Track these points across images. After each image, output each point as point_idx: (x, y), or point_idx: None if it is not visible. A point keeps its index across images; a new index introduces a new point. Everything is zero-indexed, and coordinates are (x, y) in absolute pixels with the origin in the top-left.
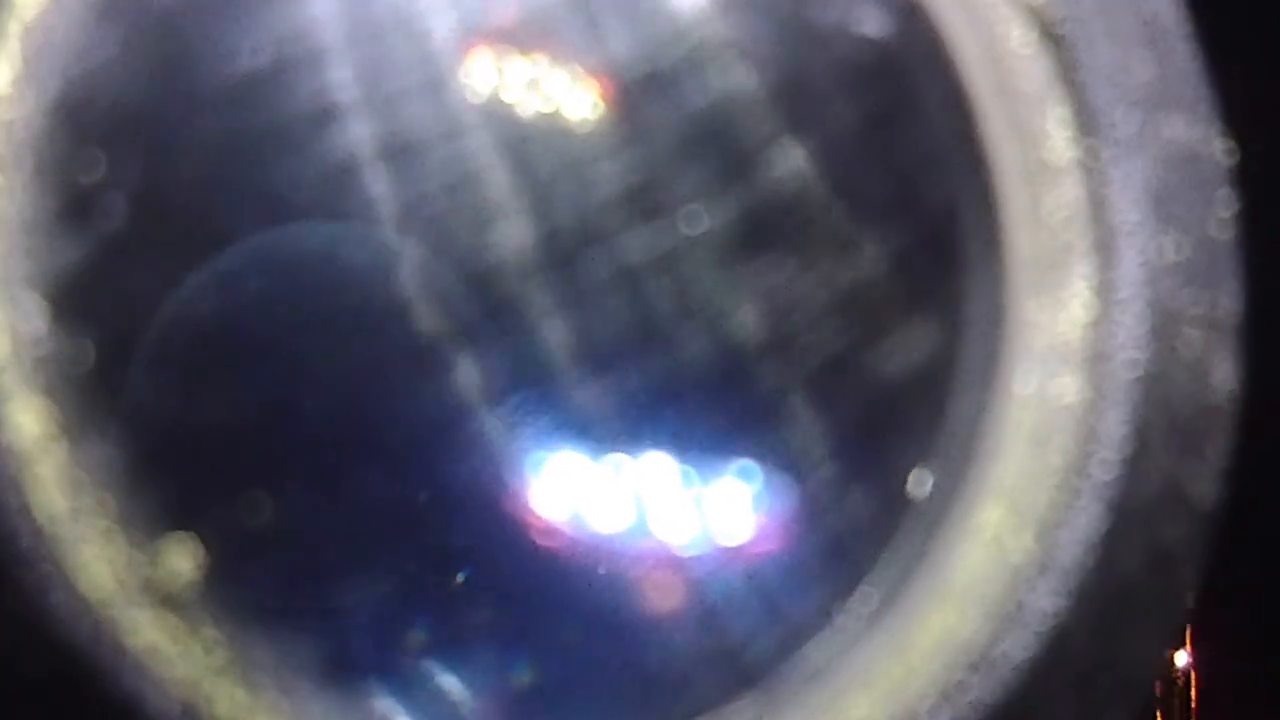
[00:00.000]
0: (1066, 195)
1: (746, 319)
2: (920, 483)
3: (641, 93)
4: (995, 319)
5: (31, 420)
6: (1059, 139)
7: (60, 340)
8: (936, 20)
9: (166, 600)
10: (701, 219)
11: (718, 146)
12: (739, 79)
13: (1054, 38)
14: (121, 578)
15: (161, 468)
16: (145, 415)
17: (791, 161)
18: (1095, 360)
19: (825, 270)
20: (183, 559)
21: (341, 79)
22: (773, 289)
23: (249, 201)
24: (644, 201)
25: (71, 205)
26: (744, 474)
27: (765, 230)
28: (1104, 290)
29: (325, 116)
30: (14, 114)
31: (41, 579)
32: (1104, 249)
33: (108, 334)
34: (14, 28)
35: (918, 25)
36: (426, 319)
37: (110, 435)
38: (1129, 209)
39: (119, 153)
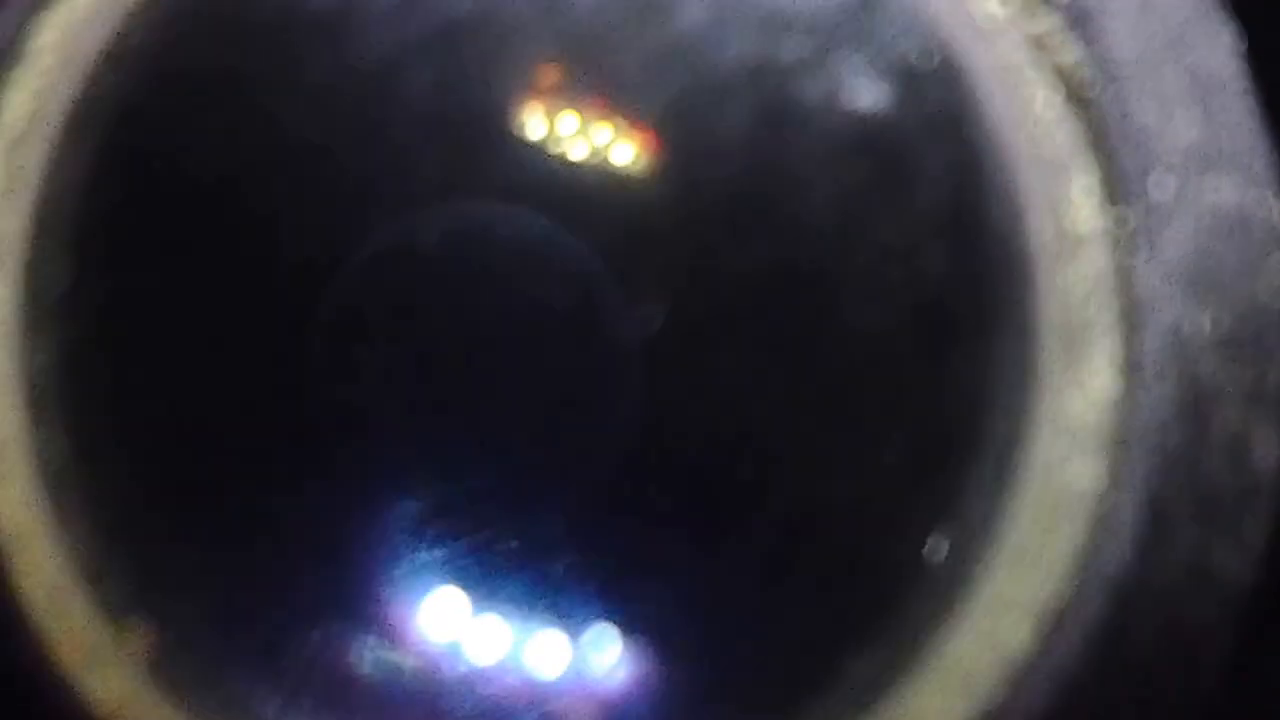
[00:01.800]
0: (1091, 267)
1: (768, 384)
2: (935, 550)
3: (683, 153)
4: (1017, 393)
5: (15, 509)
6: (1085, 207)
7: (41, 434)
8: (962, 85)
9: (139, 671)
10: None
11: (740, 208)
12: (765, 140)
13: (1083, 101)
14: (97, 650)
15: (137, 550)
16: (124, 499)
17: (815, 225)
18: (1116, 444)
19: (850, 331)
20: (154, 633)
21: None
22: (796, 347)
23: (218, 309)
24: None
25: (51, 308)
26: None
27: (786, 292)
28: (1129, 368)
29: (315, 205)
30: (0, 223)
31: (21, 652)
32: (1130, 323)
33: (86, 428)
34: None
35: (942, 89)
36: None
37: (90, 523)
38: (1160, 281)
39: (96, 259)
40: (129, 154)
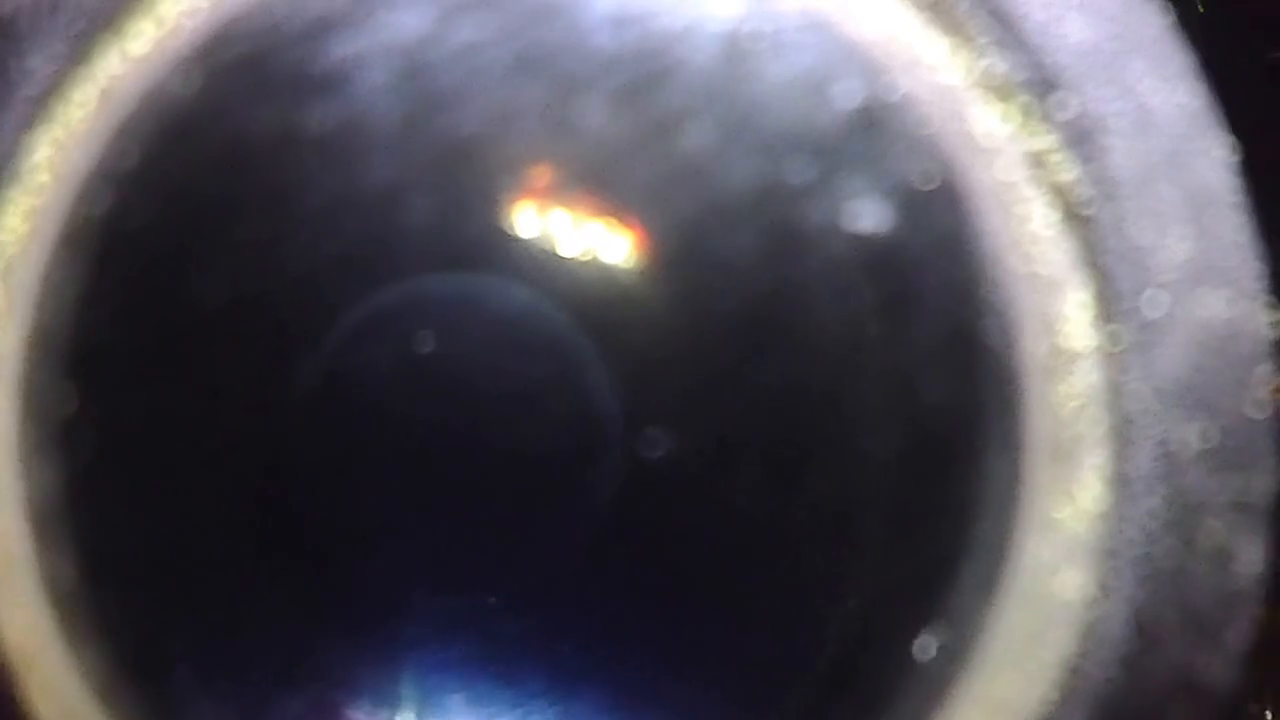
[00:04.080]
0: (1083, 383)
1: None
2: (925, 650)
3: (684, 270)
4: (1007, 503)
5: (26, 630)
6: (1078, 324)
7: (50, 556)
8: (960, 202)
9: None
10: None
11: (738, 323)
12: (764, 258)
13: (1080, 218)
14: None
15: (147, 669)
16: (133, 617)
17: (811, 339)
18: (1103, 555)
19: (844, 442)
20: None
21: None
22: (788, 453)
23: (221, 425)
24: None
25: (56, 431)
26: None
27: (780, 401)
28: (1117, 482)
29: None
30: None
31: None
32: (1120, 438)
33: (94, 548)
34: None
35: (941, 207)
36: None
37: (100, 642)
38: (1150, 396)
39: (97, 378)
40: (126, 272)
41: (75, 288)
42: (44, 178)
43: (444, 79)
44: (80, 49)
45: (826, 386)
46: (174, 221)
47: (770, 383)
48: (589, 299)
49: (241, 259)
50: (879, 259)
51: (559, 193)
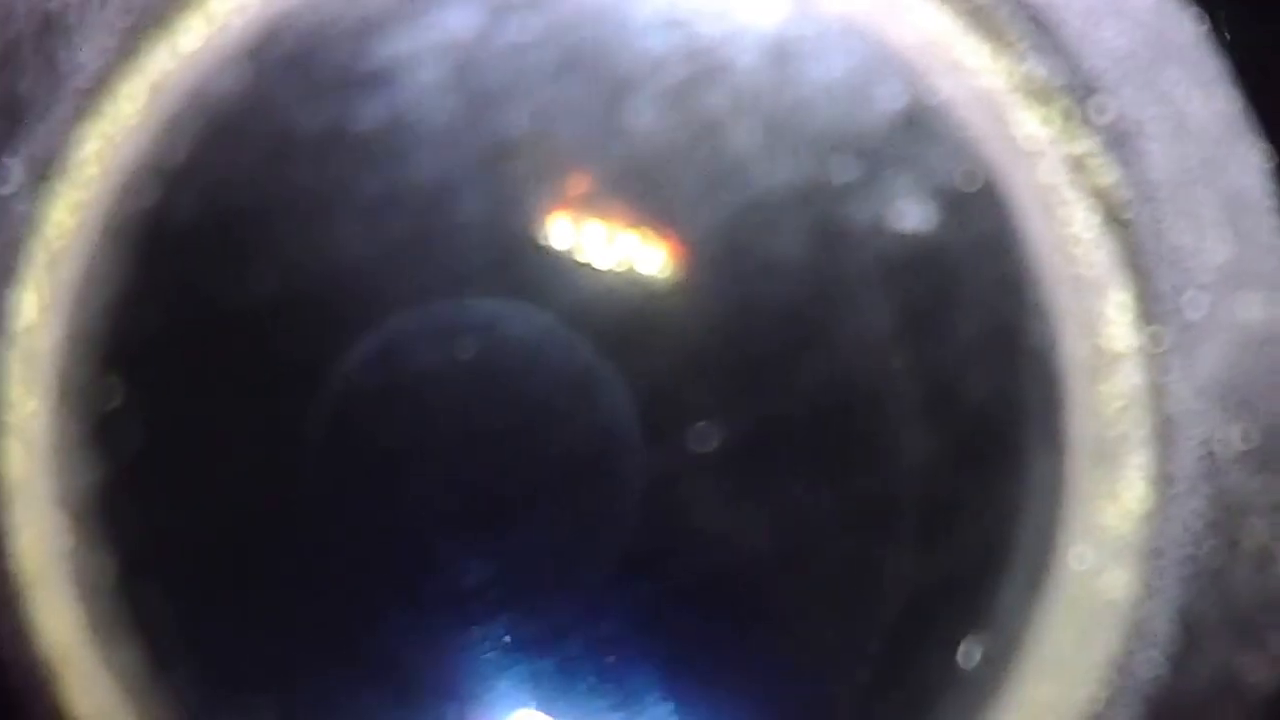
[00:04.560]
0: (1125, 384)
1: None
2: (969, 655)
3: (727, 272)
4: (1051, 505)
5: (62, 628)
6: (1120, 325)
7: (87, 553)
8: (1002, 205)
9: None
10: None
11: (780, 326)
12: (807, 260)
13: (1120, 221)
14: None
15: (185, 669)
16: (172, 617)
17: (852, 342)
18: (1147, 555)
19: (886, 444)
20: None
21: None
22: (831, 458)
23: (263, 424)
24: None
25: (96, 428)
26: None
27: (823, 405)
28: (1160, 482)
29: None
30: (41, 341)
31: None
32: (1163, 439)
33: (133, 546)
34: (41, 257)
35: (983, 210)
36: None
37: (138, 641)
38: (1192, 397)
39: (139, 375)
40: (171, 269)
41: (120, 283)
42: (92, 172)
43: (490, 78)
44: (129, 43)
45: (869, 389)
46: (221, 218)
47: (813, 384)
48: (631, 300)
49: (286, 257)
50: (922, 261)
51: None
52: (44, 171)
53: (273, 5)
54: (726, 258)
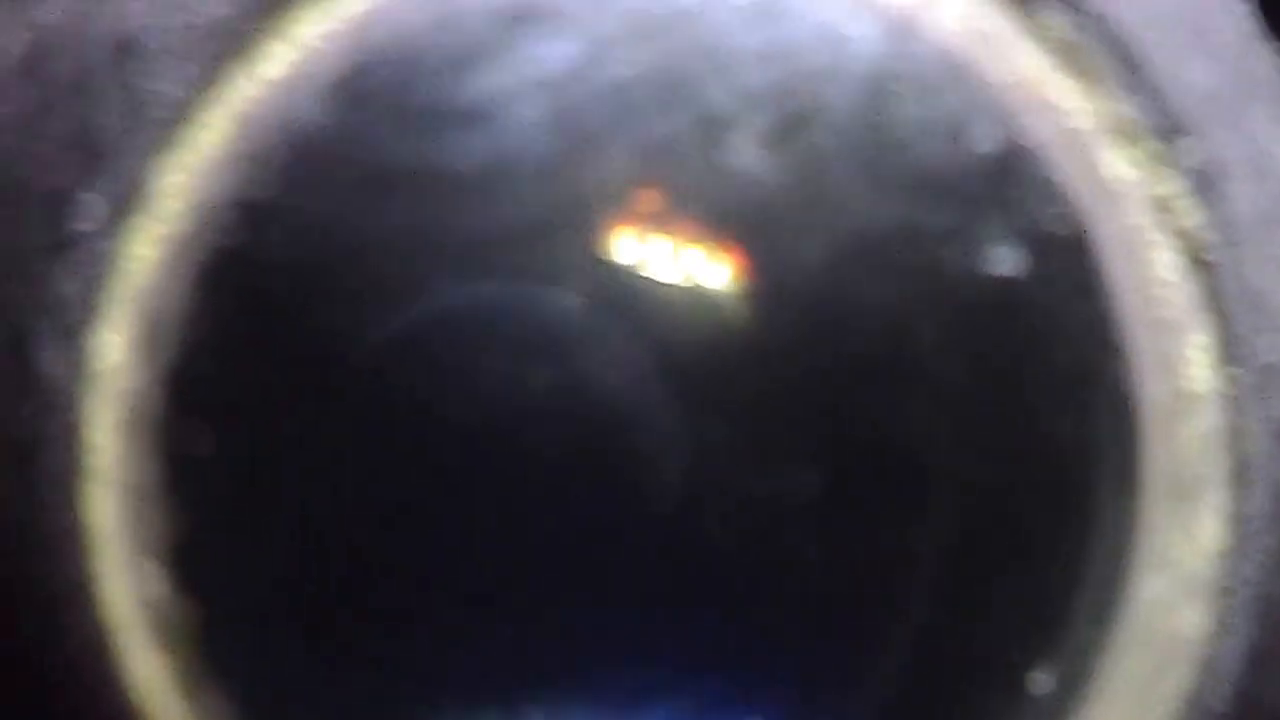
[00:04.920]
0: (1202, 424)
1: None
2: (1039, 684)
3: (812, 310)
4: (1126, 541)
5: (149, 677)
6: (1199, 367)
7: (174, 601)
8: (1088, 247)
9: None
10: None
11: (863, 362)
12: (892, 299)
13: (1203, 263)
14: None
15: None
16: (260, 666)
17: (934, 379)
18: (1221, 593)
19: (967, 477)
20: None
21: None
22: (909, 488)
23: (361, 469)
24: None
25: (183, 472)
26: None
27: (902, 444)
28: (1235, 521)
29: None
30: (125, 383)
31: None
32: (1238, 479)
33: (222, 594)
34: (124, 296)
35: (1068, 251)
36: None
37: (225, 688)
38: (1267, 438)
39: (226, 421)
40: (259, 306)
41: (206, 321)
42: (174, 206)
43: (588, 114)
44: (212, 71)
45: (950, 424)
46: (309, 254)
47: (892, 418)
48: (719, 335)
49: (376, 295)
50: (1004, 300)
51: (695, 230)
52: (124, 206)
53: (363, 32)
54: (812, 293)
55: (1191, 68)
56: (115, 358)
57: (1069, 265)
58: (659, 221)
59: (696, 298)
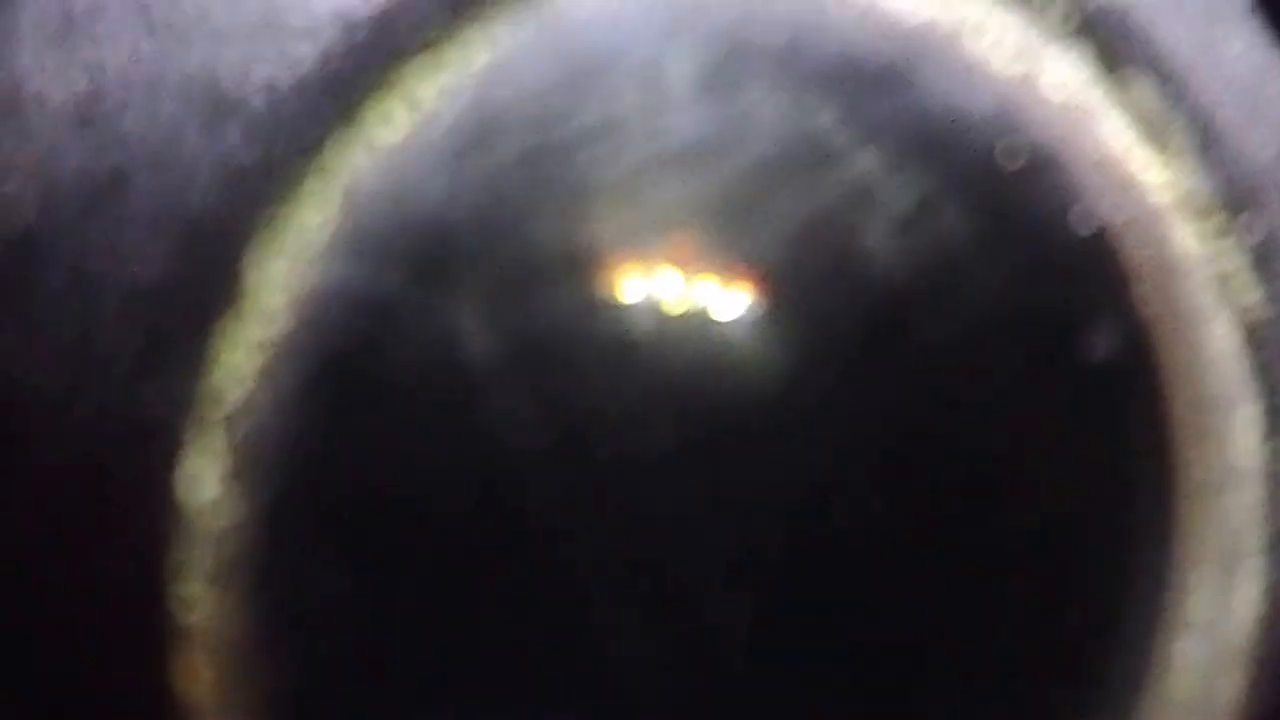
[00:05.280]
0: (1246, 497)
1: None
2: None
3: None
4: (1164, 607)
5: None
6: (1245, 440)
7: None
8: (1149, 323)
9: None
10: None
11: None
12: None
13: (1257, 339)
14: None
15: None
16: None
17: (982, 445)
18: (1255, 661)
19: (1007, 539)
20: None
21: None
22: (941, 548)
23: (487, 635)
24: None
25: (291, 628)
26: None
27: (940, 500)
28: (1272, 590)
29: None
30: (224, 520)
31: None
32: (1276, 549)
33: None
34: (217, 413)
35: (1131, 327)
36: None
37: None
38: None
39: (343, 563)
40: (377, 422)
41: (315, 443)
42: (275, 302)
43: (732, 190)
44: (317, 136)
45: (992, 491)
46: (433, 362)
47: (933, 487)
48: (762, 409)
49: (512, 407)
50: (1066, 379)
51: (776, 301)
52: (215, 302)
53: (492, 90)
54: (870, 360)
55: (1255, 139)
56: (211, 491)
57: (1131, 344)
58: (782, 302)
59: (770, 363)
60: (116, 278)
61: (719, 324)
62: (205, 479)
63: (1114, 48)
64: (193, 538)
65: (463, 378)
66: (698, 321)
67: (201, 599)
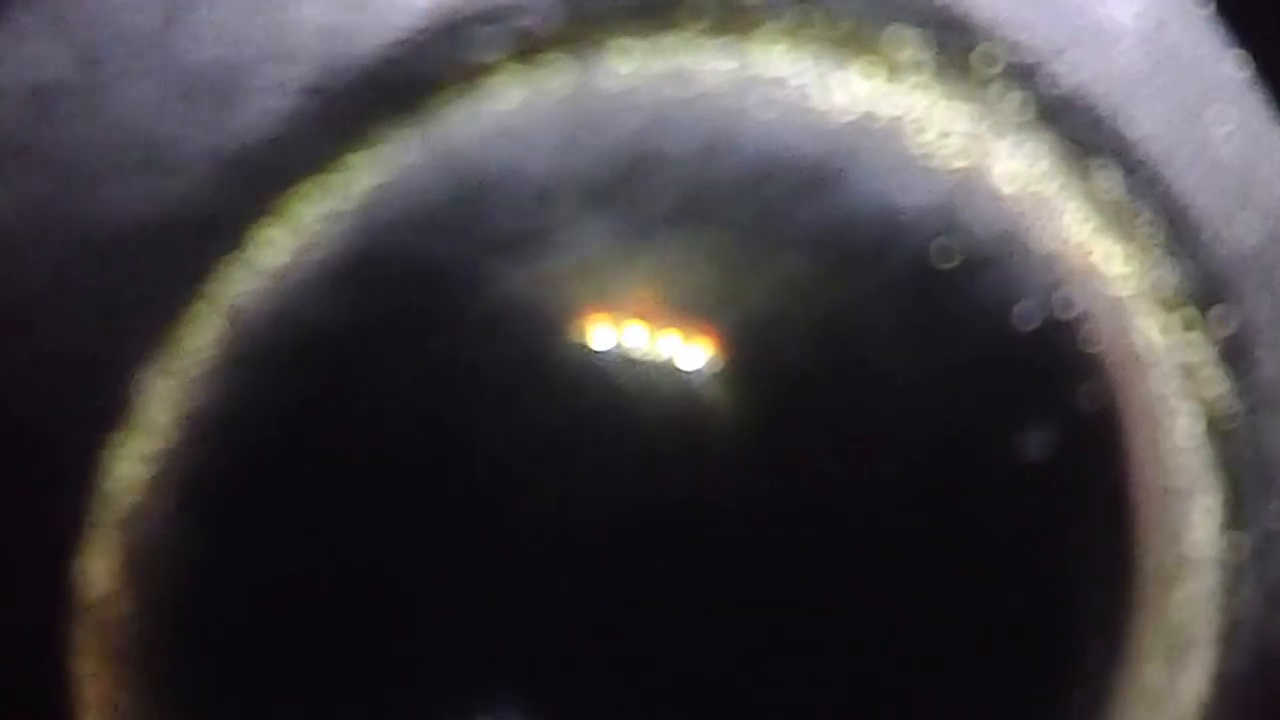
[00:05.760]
0: (1199, 588)
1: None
2: None
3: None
4: (1109, 697)
5: None
6: (1203, 532)
7: None
8: (1108, 419)
9: None
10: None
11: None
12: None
13: (1221, 431)
14: None
15: None
16: None
17: (941, 533)
18: None
19: (951, 633)
20: None
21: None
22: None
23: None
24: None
25: (184, 711)
26: None
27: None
28: (1219, 681)
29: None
30: (114, 613)
31: None
32: (1226, 641)
33: None
34: (108, 519)
35: (1090, 425)
36: None
37: None
38: (1260, 601)
39: (227, 656)
40: (260, 530)
41: (200, 546)
42: (161, 419)
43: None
44: (199, 263)
45: (938, 579)
46: (311, 475)
47: (890, 566)
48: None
49: (391, 523)
50: (1022, 477)
51: (731, 385)
52: (106, 422)
53: (375, 213)
54: (845, 468)
55: (1235, 229)
56: (103, 587)
57: (1088, 439)
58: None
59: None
60: (18, 398)
61: (621, 451)
62: (98, 576)
63: (1076, 137)
64: (87, 628)
65: (338, 492)
66: (592, 451)
67: (95, 681)
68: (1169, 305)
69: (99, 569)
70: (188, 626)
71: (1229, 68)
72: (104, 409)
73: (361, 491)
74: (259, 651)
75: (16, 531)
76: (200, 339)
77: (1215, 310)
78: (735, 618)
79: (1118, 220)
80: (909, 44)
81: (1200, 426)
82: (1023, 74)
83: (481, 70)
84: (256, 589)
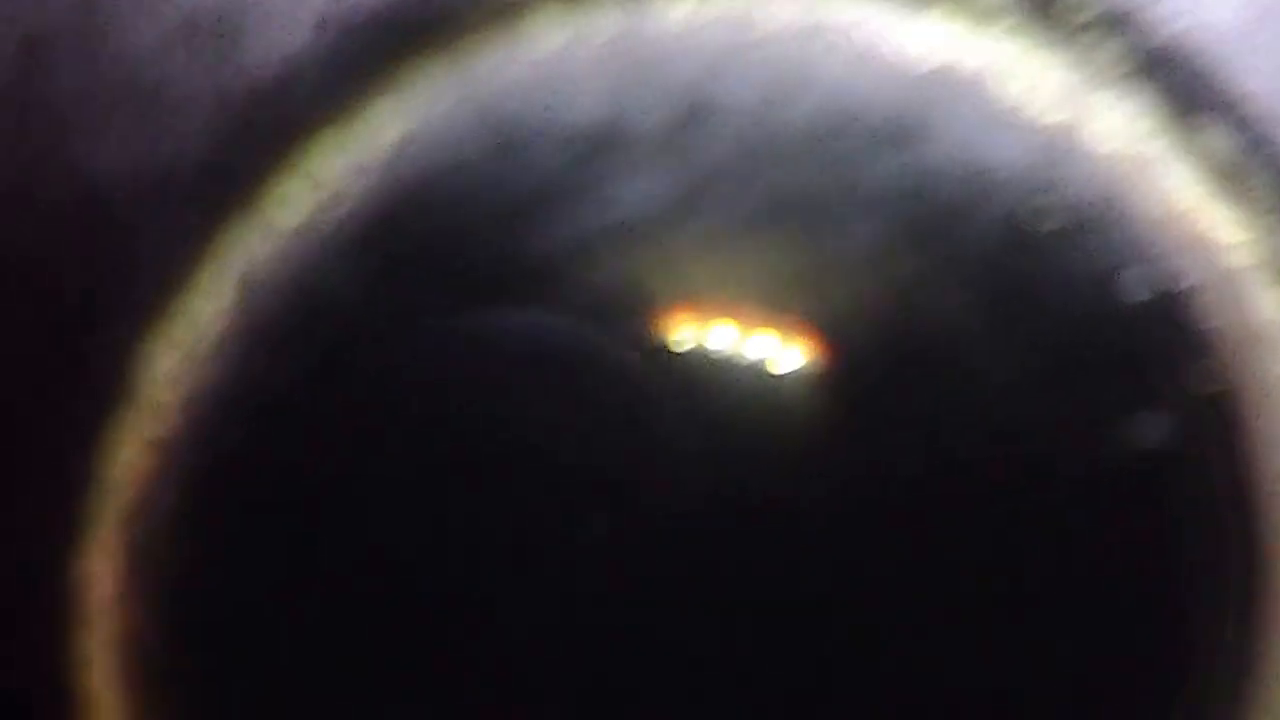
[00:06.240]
0: None
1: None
2: None
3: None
4: (1242, 679)
5: None
6: None
7: None
8: (1228, 402)
9: None
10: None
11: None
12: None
13: None
14: None
15: None
16: None
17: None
18: None
19: (1065, 624)
20: None
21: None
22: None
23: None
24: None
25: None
26: None
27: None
28: None
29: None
30: (121, 620)
31: None
32: None
33: None
34: (110, 515)
35: (1207, 409)
36: None
37: None
38: None
39: (240, 659)
40: (272, 523)
41: (210, 543)
42: (167, 398)
43: (682, 269)
44: (206, 223)
45: (1057, 570)
46: (330, 459)
47: (1003, 569)
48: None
49: (410, 507)
50: (1140, 464)
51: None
52: (106, 405)
53: (403, 165)
54: (932, 439)
55: None
56: (107, 590)
57: (1209, 424)
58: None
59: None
60: (5, 373)
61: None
62: (101, 579)
63: (1181, 90)
64: (92, 638)
65: (356, 477)
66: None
67: (102, 697)
68: None
69: (102, 570)
70: (196, 636)
71: None
72: (100, 388)
73: (391, 486)
74: (280, 658)
75: (4, 530)
76: (207, 308)
77: None
78: (841, 612)
79: (1229, 183)
80: None
81: None
82: (1118, 21)
83: (520, 8)
84: (270, 591)
